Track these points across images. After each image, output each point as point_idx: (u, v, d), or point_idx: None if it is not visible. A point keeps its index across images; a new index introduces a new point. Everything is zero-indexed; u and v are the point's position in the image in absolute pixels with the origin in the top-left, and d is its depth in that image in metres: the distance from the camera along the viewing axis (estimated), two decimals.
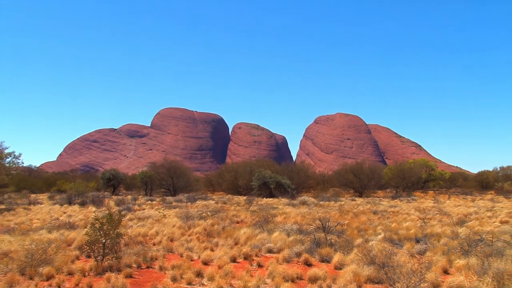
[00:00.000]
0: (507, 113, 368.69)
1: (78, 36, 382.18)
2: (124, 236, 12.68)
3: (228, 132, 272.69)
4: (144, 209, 27.22)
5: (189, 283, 9.28)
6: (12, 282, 9.05)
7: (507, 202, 34.82)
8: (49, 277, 9.57)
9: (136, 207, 29.01)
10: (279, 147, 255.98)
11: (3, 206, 29.65)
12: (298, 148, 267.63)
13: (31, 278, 9.56)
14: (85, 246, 11.34)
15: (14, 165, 35.19)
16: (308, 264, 11.28)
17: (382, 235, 15.06)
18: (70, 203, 31.42)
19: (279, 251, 12.60)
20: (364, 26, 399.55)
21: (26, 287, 8.73)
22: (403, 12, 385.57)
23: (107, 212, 11.91)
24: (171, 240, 14.75)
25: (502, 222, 20.31)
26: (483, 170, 70.11)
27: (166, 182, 48.25)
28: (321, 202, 32.97)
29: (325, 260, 11.59)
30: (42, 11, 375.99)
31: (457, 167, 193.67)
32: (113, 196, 41.30)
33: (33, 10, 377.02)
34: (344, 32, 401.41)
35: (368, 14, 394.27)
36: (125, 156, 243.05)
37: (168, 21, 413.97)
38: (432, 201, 35.54)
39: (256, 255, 12.24)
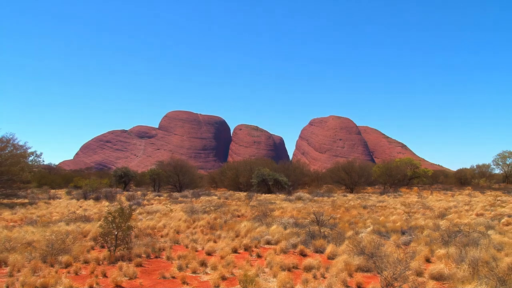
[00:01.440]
0: (484, 116, 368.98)
1: (95, 50, 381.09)
2: (135, 228, 12.74)
3: (230, 133, 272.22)
4: (152, 204, 27.25)
5: (194, 272, 9.33)
6: (35, 268, 9.17)
7: (482, 197, 34.92)
8: (67, 265, 9.66)
9: (145, 202, 29.03)
10: (277, 147, 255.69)
11: (26, 200, 29.72)
12: (294, 148, 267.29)
13: (51, 266, 9.65)
14: (99, 238, 11.42)
15: (36, 163, 35.24)
16: (303, 254, 11.33)
17: (371, 227, 15.12)
18: (85, 198, 31.48)
19: (276, 242, 12.65)
20: (354, 36, 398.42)
21: (48, 273, 8.77)
22: (390, 19, 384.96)
23: (119, 206, 11.94)
24: (177, 233, 14.79)
25: (477, 215, 20.49)
26: (461, 168, 70.37)
27: (172, 179, 48.21)
28: (315, 198, 33.01)
29: (319, 251, 11.64)
30: (60, 15, 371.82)
31: (438, 165, 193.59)
32: (125, 192, 41.32)
33: (53, 13, 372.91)
34: (337, 43, 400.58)
35: (358, 26, 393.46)
36: (135, 155, 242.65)
37: (178, 30, 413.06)
38: (416, 197, 35.59)
39: (256, 247, 12.27)
